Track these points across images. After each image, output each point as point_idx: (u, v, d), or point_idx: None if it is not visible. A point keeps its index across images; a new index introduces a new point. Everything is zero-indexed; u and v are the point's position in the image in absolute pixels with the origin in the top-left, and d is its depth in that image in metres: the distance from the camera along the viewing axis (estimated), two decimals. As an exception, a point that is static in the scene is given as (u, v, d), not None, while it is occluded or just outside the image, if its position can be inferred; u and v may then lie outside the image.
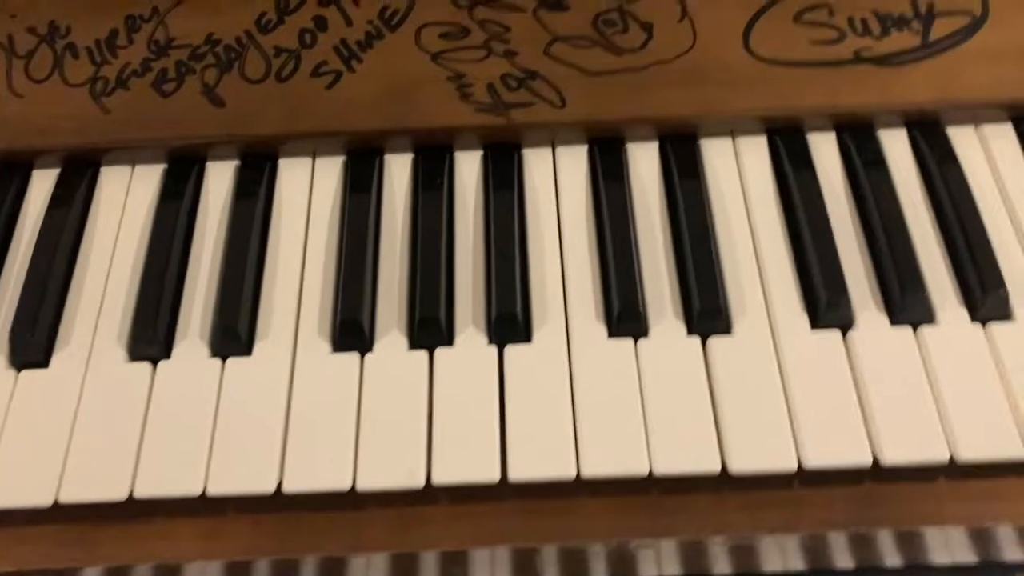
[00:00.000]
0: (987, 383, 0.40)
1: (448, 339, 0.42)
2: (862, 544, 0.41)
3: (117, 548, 0.39)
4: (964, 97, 0.47)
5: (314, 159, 0.48)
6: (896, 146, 0.47)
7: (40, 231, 0.45)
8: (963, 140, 0.47)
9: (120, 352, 0.42)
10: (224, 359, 0.42)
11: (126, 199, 0.47)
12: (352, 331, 0.42)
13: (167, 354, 0.42)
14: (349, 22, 0.49)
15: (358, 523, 0.40)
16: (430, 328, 0.42)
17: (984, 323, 0.42)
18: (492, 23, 0.48)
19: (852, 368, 0.41)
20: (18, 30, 0.49)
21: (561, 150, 0.48)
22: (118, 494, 0.38)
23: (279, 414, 0.40)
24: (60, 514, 0.39)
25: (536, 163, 0.48)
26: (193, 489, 0.38)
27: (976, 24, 0.48)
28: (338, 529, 0.39)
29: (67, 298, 0.44)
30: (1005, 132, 0.48)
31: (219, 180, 0.47)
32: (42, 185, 0.47)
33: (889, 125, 0.48)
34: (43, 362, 0.42)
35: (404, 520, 0.39)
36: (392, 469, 0.39)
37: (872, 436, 0.39)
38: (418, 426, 0.39)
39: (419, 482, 0.38)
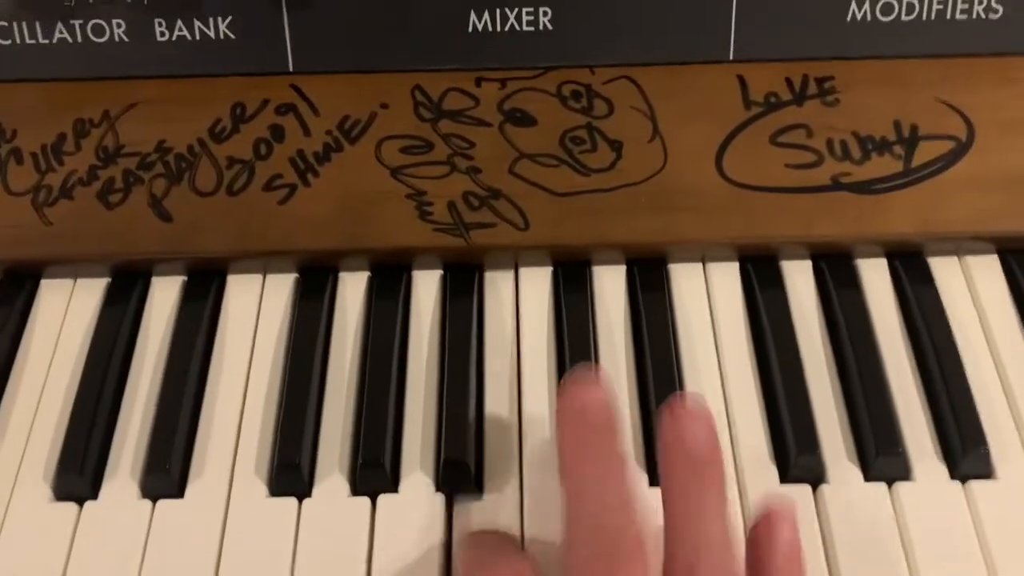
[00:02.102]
0: (964, 547, 0.37)
1: (393, 484, 0.40)
2: None
3: None
4: (948, 228, 0.45)
5: (264, 276, 0.46)
6: (875, 276, 0.45)
7: (-30, 349, 0.43)
8: (946, 271, 0.45)
9: (45, 490, 0.40)
10: (154, 501, 0.39)
11: (65, 315, 0.45)
12: (290, 475, 0.39)
13: (95, 494, 0.40)
14: (307, 132, 0.47)
15: None
16: (373, 472, 0.39)
17: (963, 480, 0.39)
18: (456, 137, 0.46)
19: (820, 525, 0.38)
20: (-38, 132, 0.47)
21: (524, 271, 0.46)
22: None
23: (210, 564, 0.38)
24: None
25: (498, 285, 0.45)
26: (110, 651, 0.36)
27: (961, 149, 0.46)
28: None
29: (-7, 426, 0.42)
30: (990, 264, 0.46)
31: (163, 297, 0.45)
32: (-22, 298, 0.45)
33: (868, 254, 0.46)
34: (-37, 498, 0.40)
35: None
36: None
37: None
38: (355, 581, 0.37)
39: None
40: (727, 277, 0.45)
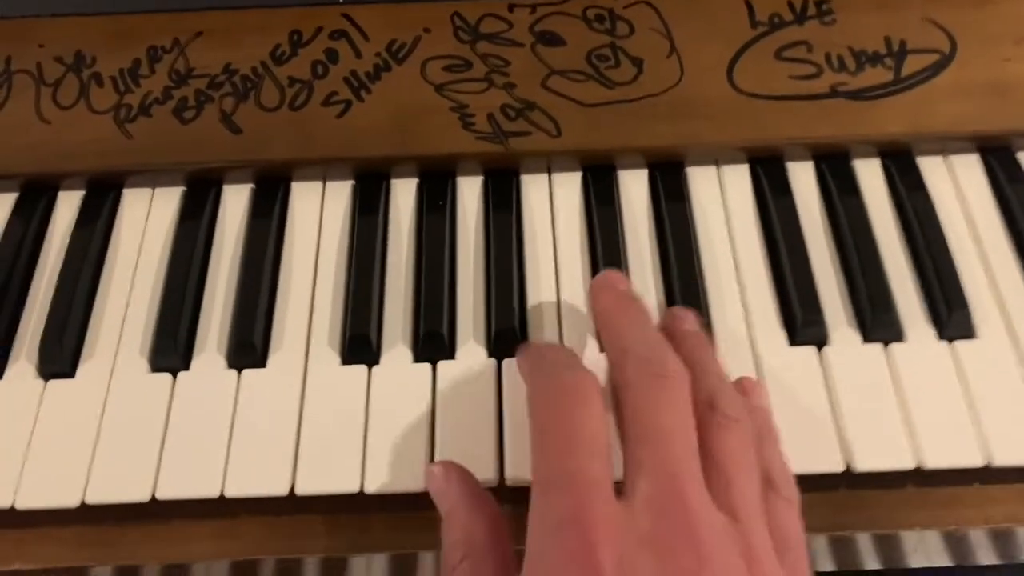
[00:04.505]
0: (951, 397, 0.43)
1: (450, 353, 0.45)
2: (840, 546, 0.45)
3: (138, 548, 0.42)
4: (933, 129, 0.50)
5: (324, 183, 0.51)
6: (869, 174, 0.51)
7: (67, 250, 0.48)
8: (932, 169, 0.51)
9: (142, 364, 0.45)
10: (240, 370, 0.45)
11: (147, 220, 0.50)
12: (361, 345, 0.44)
13: (186, 366, 0.45)
14: (359, 55, 0.52)
15: (362, 525, 0.42)
16: (434, 342, 0.45)
17: (949, 341, 0.45)
18: (493, 57, 0.52)
19: (826, 381, 0.44)
20: (46, 59, 0.52)
21: (556, 176, 0.51)
22: (140, 496, 0.41)
23: (292, 422, 0.43)
24: (85, 515, 0.42)
25: (533, 188, 0.51)
26: (211, 491, 0.41)
27: (944, 61, 0.51)
28: (343, 529, 0.42)
29: (92, 313, 0.47)
30: (971, 162, 0.51)
31: (235, 202, 0.50)
32: (68, 206, 0.50)
33: (863, 155, 0.51)
34: (69, 372, 0.45)
35: (405, 522, 0.42)
36: (397, 474, 0.41)
37: (845, 444, 0.42)
38: (421, 434, 0.42)
39: (421, 486, 0.41)
40: (739, 177, 0.51)
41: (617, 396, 0.38)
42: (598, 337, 0.45)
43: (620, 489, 0.34)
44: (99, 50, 0.52)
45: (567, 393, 0.36)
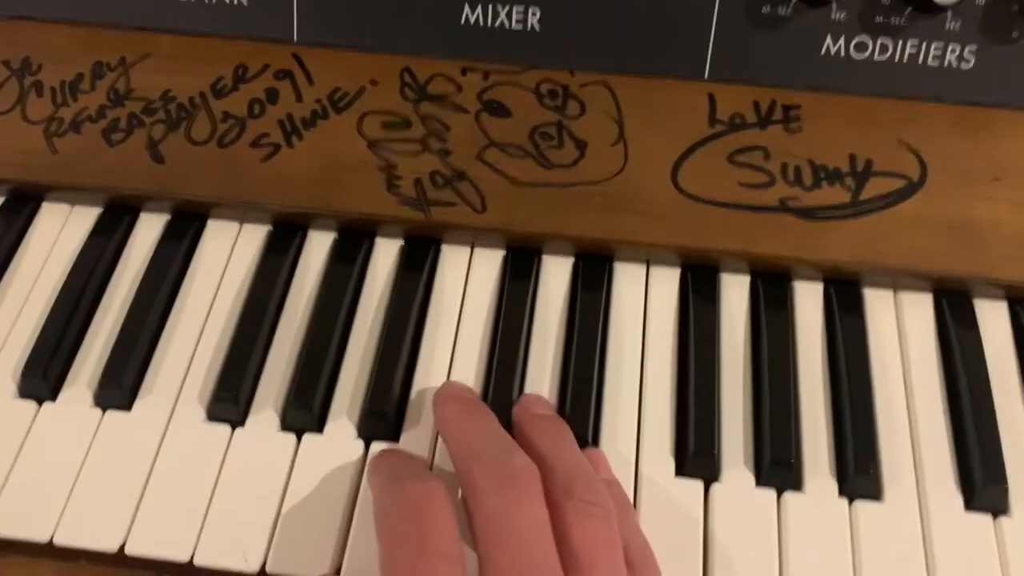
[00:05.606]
0: (837, 566, 0.39)
1: (319, 425, 0.43)
2: None
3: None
4: (885, 262, 0.46)
5: (241, 225, 0.50)
6: (808, 298, 0.47)
7: (-32, 257, 0.48)
8: (878, 302, 0.47)
9: (11, 387, 0.44)
10: (104, 411, 0.43)
11: (58, 237, 0.49)
12: (226, 404, 0.43)
13: (53, 396, 0.44)
14: (299, 98, 0.50)
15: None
16: (301, 413, 0.43)
17: (851, 499, 0.41)
18: (434, 119, 0.50)
19: (706, 521, 0.41)
20: (-6, 61, 0.52)
21: (478, 251, 0.49)
22: (-27, 529, 0.40)
23: (141, 475, 0.41)
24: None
25: (451, 261, 0.48)
26: (42, 536, 0.40)
27: (910, 189, 0.47)
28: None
29: (-22, 325, 0.46)
30: (922, 302, 0.47)
31: (147, 231, 0.49)
32: (-17, 212, 0.50)
33: (805, 276, 0.48)
34: (-62, 385, 0.44)
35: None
36: (230, 550, 0.39)
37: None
38: (266, 510, 0.40)
39: (253, 568, 0.39)
40: (667, 280, 0.48)
41: (468, 503, 0.37)
42: None
43: None
44: (47, 59, 0.52)
45: (415, 503, 0.36)
